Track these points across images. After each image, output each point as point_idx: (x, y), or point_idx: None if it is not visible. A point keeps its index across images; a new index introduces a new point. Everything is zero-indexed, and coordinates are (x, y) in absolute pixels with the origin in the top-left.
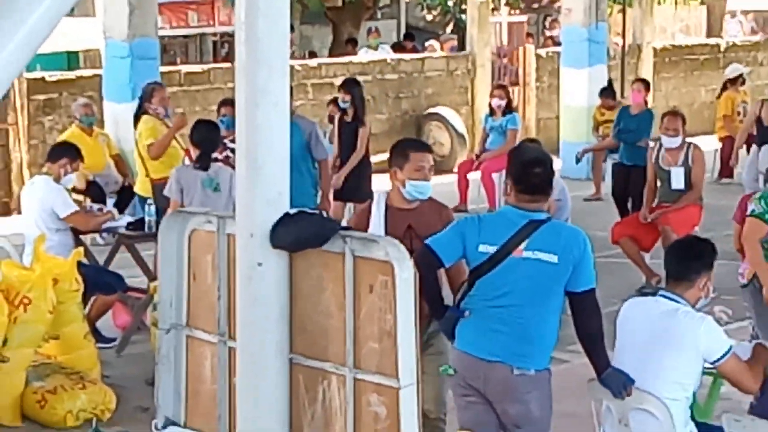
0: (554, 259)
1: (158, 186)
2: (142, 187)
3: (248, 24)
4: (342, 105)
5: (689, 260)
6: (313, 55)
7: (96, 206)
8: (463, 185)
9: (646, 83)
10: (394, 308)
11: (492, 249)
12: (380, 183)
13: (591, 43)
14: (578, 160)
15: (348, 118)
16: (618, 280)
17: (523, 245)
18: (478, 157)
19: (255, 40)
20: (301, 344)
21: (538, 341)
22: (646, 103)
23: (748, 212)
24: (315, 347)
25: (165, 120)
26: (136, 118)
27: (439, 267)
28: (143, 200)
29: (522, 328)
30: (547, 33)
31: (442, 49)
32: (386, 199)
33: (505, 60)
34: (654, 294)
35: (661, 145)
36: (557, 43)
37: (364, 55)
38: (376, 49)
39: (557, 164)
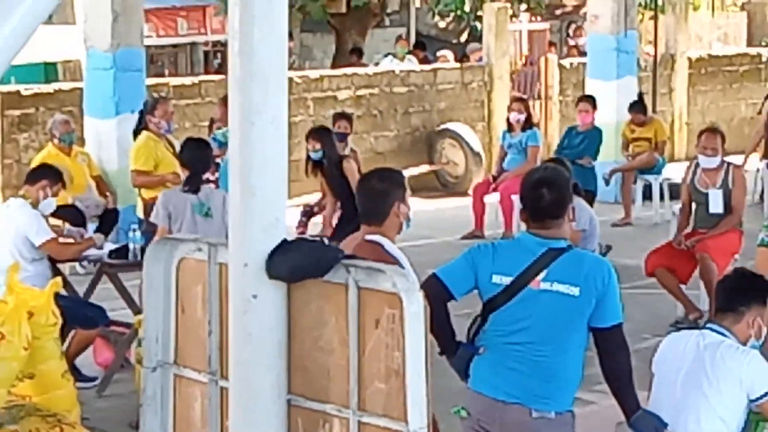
0: (575, 291)
1: (151, 206)
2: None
3: (243, 32)
4: (314, 156)
5: (738, 292)
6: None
7: (75, 230)
8: (479, 209)
9: (592, 101)
10: (403, 344)
11: (507, 280)
12: None
13: (620, 52)
14: (606, 182)
15: (325, 165)
16: (649, 313)
17: (540, 276)
18: (495, 177)
19: (250, 51)
20: (300, 384)
21: (559, 381)
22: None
23: (757, 242)
24: (315, 387)
25: (167, 135)
26: (136, 133)
27: (449, 300)
28: (141, 221)
29: (541, 366)
30: (572, 42)
31: (466, 60)
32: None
33: (533, 69)
34: (696, 327)
35: (697, 165)
36: (582, 53)
37: (387, 65)
38: (402, 59)
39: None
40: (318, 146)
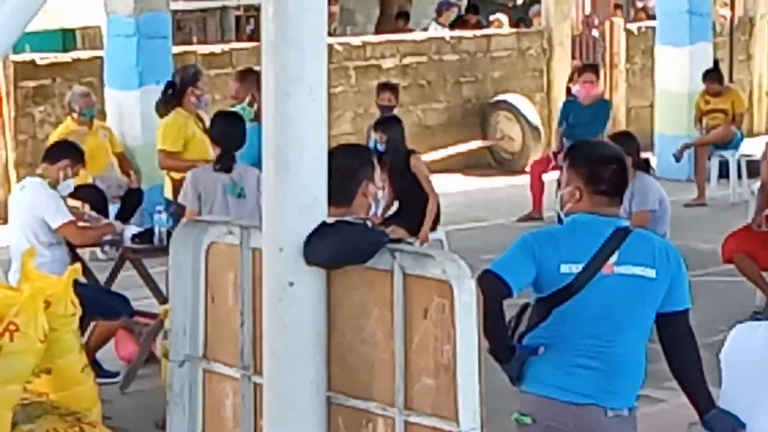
0: (652, 273)
1: (180, 187)
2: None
3: None
4: (379, 148)
5: None
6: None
7: (96, 216)
8: (538, 188)
9: (596, 70)
10: (453, 337)
11: (577, 267)
12: (440, 184)
13: (692, 15)
14: (677, 158)
15: (387, 160)
16: (725, 303)
17: (613, 259)
18: (555, 154)
19: (285, 15)
20: (340, 380)
21: (629, 375)
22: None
23: None
24: (357, 384)
25: (199, 113)
26: (165, 106)
27: (507, 297)
28: (169, 203)
29: (614, 360)
30: (639, 4)
31: (523, 24)
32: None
33: (595, 32)
34: None
35: None
36: (651, 17)
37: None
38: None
39: (652, 162)
40: (385, 138)
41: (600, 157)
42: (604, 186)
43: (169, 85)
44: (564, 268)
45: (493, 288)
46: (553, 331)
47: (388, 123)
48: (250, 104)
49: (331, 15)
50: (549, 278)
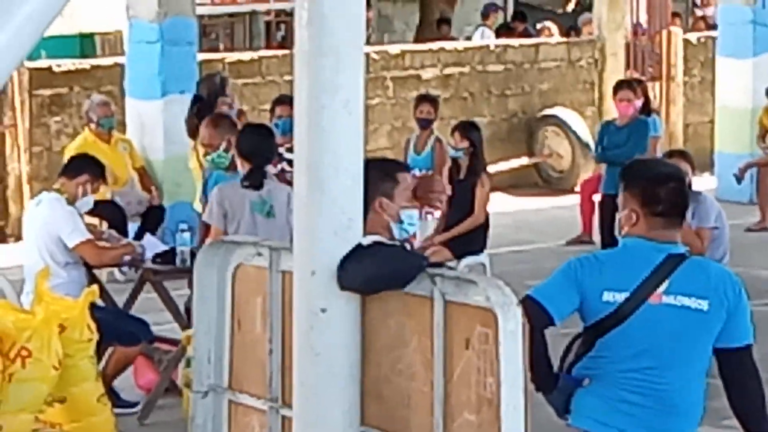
0: (703, 305)
1: None
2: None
3: (312, 0)
4: (454, 154)
5: None
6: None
7: (116, 235)
8: (588, 209)
9: (632, 86)
10: (497, 369)
11: (621, 296)
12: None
13: (757, 25)
14: (739, 179)
15: (461, 174)
16: None
17: (661, 288)
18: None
19: (321, 22)
20: (375, 414)
21: (684, 412)
22: (646, 108)
23: None
24: (394, 418)
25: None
26: (198, 117)
27: (548, 325)
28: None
29: (665, 396)
30: (699, 12)
31: (574, 33)
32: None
33: (644, 40)
34: None
35: None
36: (712, 26)
37: (480, 39)
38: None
39: (710, 183)
40: (464, 144)
41: (656, 177)
42: (660, 207)
43: (196, 99)
44: (607, 296)
45: (533, 316)
46: (598, 362)
47: (469, 128)
48: (226, 150)
49: (367, 22)
50: (592, 306)
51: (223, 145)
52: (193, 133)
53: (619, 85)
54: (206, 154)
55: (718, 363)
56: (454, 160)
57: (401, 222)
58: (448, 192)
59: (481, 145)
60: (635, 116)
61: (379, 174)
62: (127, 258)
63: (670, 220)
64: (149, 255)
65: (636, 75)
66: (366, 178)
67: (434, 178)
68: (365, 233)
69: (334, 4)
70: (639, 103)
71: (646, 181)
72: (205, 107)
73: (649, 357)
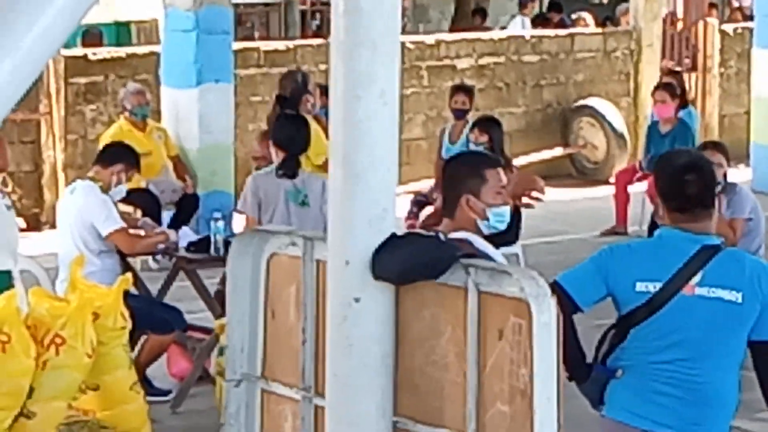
0: (738, 297)
1: None
2: None
3: None
4: (474, 149)
5: None
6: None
7: (151, 223)
8: (623, 200)
9: (671, 88)
10: (531, 360)
11: (654, 287)
12: None
13: None
14: None
15: None
16: None
17: (695, 279)
18: (641, 164)
19: (357, 12)
20: (408, 404)
21: (716, 404)
22: (682, 100)
23: None
24: (426, 408)
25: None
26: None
27: (575, 312)
28: None
29: (698, 388)
30: (735, 3)
31: (610, 24)
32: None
33: (680, 29)
34: None
35: None
36: (748, 17)
37: (516, 28)
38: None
39: (746, 174)
40: (486, 139)
41: (675, 170)
42: (677, 201)
43: (279, 98)
44: (640, 286)
45: (558, 303)
46: (631, 353)
47: (489, 123)
48: None
49: (403, 11)
50: (625, 296)
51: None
52: None
53: (657, 86)
54: (258, 167)
55: (753, 355)
56: None
57: (488, 219)
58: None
59: (501, 140)
60: (675, 119)
61: (467, 170)
62: (160, 246)
63: (693, 212)
64: (183, 244)
65: (671, 65)
66: (453, 174)
67: (534, 178)
68: (452, 230)
69: None
70: (671, 106)
71: (666, 175)
72: (289, 106)
73: (681, 348)
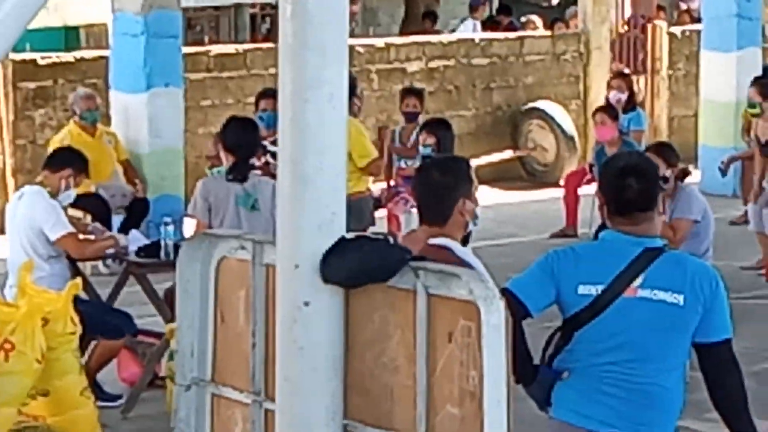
0: (679, 299)
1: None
2: None
3: None
4: (423, 151)
5: None
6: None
7: (101, 228)
8: (572, 202)
9: (611, 111)
10: (480, 362)
11: (597, 289)
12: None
13: (741, 19)
14: (723, 172)
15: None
16: None
17: (637, 282)
18: (592, 166)
19: (305, 16)
20: (358, 407)
21: (660, 405)
22: (631, 102)
23: None
24: (377, 411)
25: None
26: None
27: (525, 317)
28: None
29: (642, 389)
30: (683, 5)
31: (558, 27)
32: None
33: (629, 32)
34: None
35: None
36: (696, 20)
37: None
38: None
39: (695, 176)
40: (433, 141)
41: (615, 174)
42: (617, 204)
43: None
44: (582, 290)
45: (509, 308)
46: (577, 355)
47: (438, 125)
48: None
49: (352, 15)
50: (568, 299)
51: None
52: None
53: (596, 109)
54: (212, 166)
55: (699, 357)
56: (424, 157)
57: (471, 220)
58: None
59: (449, 142)
60: (618, 140)
61: (458, 177)
62: (110, 251)
63: (632, 215)
64: (133, 248)
65: (621, 68)
66: (442, 183)
67: None
68: (439, 236)
69: None
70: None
71: (607, 178)
72: None
73: (625, 350)
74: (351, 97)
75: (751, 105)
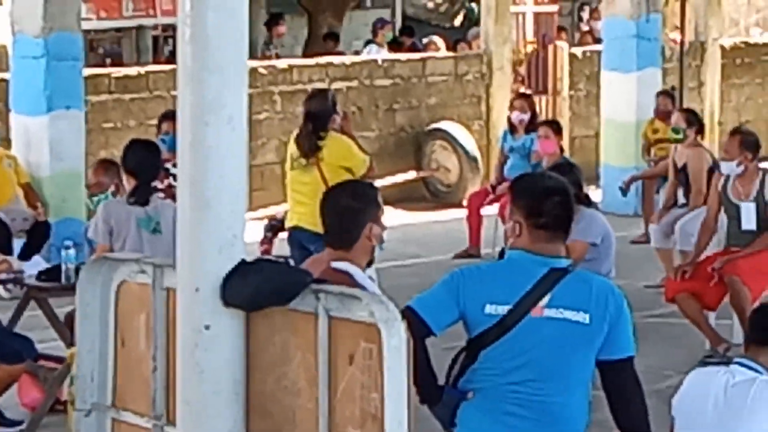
0: (585, 318)
1: None
2: (309, 220)
3: (195, 16)
4: None
5: None
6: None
7: None
8: (475, 223)
9: (555, 126)
10: (381, 384)
11: (503, 309)
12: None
13: (640, 40)
14: (624, 192)
15: None
16: (674, 346)
17: (543, 301)
18: (494, 187)
19: (204, 38)
20: (260, 430)
21: (566, 424)
22: (562, 150)
23: None
24: None
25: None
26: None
27: (427, 336)
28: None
29: (546, 408)
30: (584, 27)
31: (461, 48)
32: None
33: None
34: (726, 363)
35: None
36: (597, 41)
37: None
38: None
39: (596, 196)
40: None
41: (541, 190)
42: (544, 219)
43: (308, 116)
44: (489, 309)
45: (412, 327)
46: (481, 375)
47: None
48: (114, 194)
49: (279, 36)
50: (474, 318)
51: (112, 188)
52: (309, 152)
53: (541, 123)
54: (92, 195)
55: (601, 375)
56: None
57: (383, 242)
58: None
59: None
60: (559, 154)
61: (366, 202)
62: (3, 276)
63: (554, 233)
64: (34, 272)
65: (522, 89)
66: (350, 208)
67: None
68: (344, 260)
69: (217, 21)
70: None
71: (531, 194)
72: (319, 123)
73: (530, 369)
74: (331, 113)
75: (675, 130)
